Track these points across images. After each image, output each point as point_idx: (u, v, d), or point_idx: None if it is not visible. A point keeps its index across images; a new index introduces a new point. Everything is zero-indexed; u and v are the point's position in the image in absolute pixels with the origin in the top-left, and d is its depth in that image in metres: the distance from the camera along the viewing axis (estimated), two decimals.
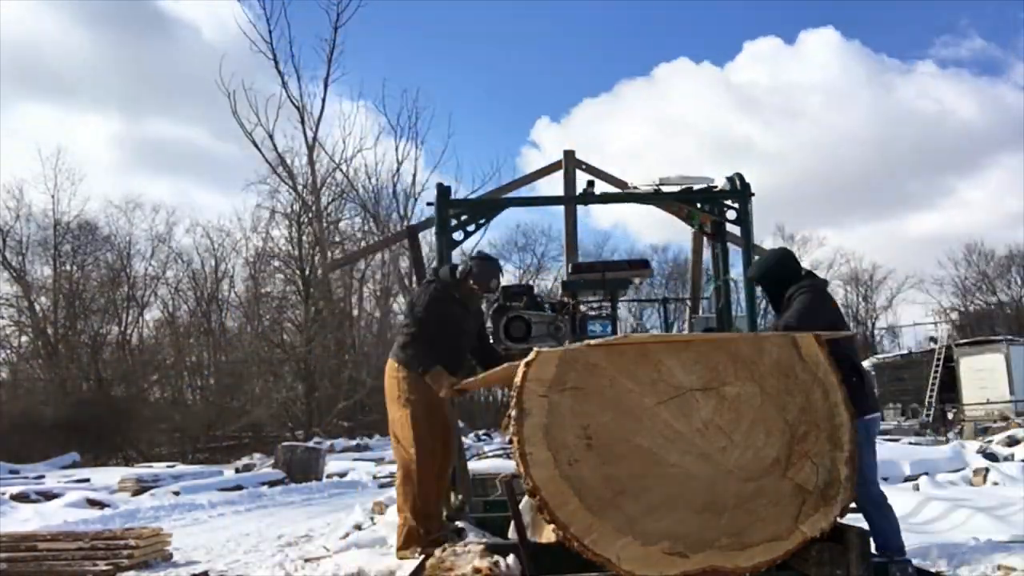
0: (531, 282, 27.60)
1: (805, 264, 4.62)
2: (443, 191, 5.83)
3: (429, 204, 5.97)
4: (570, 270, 7.04)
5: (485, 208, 6.15)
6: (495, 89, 65.86)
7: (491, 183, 32.20)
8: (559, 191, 8.52)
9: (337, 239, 34.50)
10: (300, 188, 33.29)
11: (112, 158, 51.52)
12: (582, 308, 6.41)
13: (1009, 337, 28.36)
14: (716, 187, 6.00)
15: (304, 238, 33.44)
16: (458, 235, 5.88)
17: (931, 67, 67.35)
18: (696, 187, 6.03)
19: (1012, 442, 14.75)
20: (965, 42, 67.64)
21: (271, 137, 32.77)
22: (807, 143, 61.12)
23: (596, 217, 67.35)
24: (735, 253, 6.19)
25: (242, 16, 63.58)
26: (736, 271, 6.19)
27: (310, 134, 33.56)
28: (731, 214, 5.91)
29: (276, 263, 34.15)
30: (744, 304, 6.19)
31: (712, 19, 66.58)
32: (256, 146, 32.80)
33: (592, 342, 2.86)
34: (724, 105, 61.86)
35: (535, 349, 2.84)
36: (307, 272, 32.84)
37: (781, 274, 4.11)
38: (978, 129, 61.75)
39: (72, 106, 52.84)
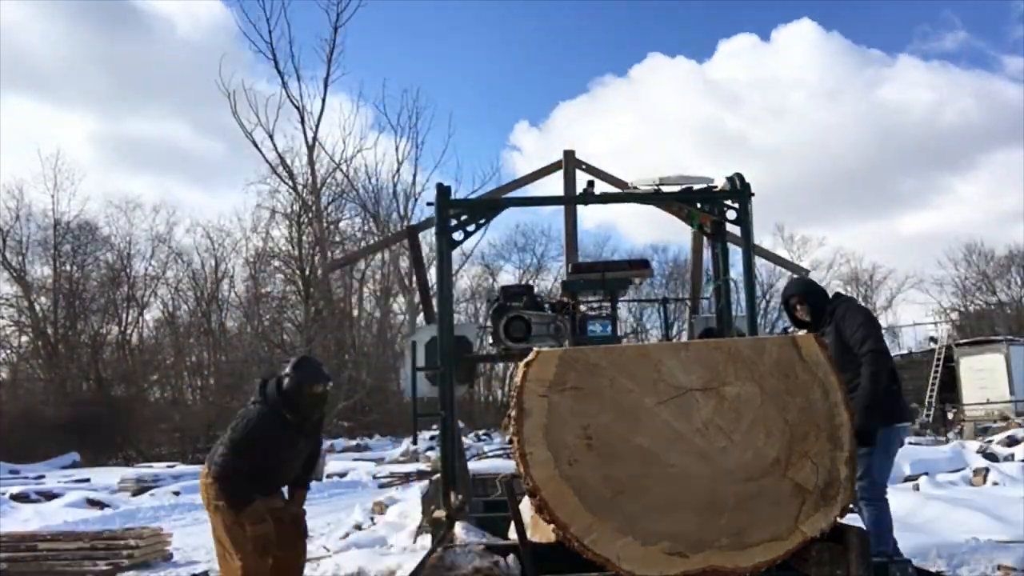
0: (531, 282, 27.61)
1: (805, 263, 4.75)
2: (443, 191, 5.82)
3: (429, 204, 5.96)
4: (570, 270, 7.03)
5: (485, 208, 6.15)
6: (478, 92, 65.69)
7: (491, 183, 32.27)
8: (559, 191, 8.51)
9: (337, 239, 34.52)
10: (300, 188, 33.31)
11: (92, 155, 51.29)
12: (582, 308, 6.40)
13: (1009, 337, 28.34)
14: (716, 187, 5.99)
15: (304, 238, 33.49)
16: (458, 235, 5.88)
17: (914, 59, 66.69)
18: (696, 187, 6.02)
19: (1012, 442, 14.75)
20: (948, 34, 67.01)
21: (271, 137, 32.83)
22: (795, 139, 60.67)
23: (589, 217, 67.22)
24: (735, 253, 6.18)
25: (216, 12, 59.79)
26: (736, 271, 6.18)
27: (310, 134, 33.61)
28: (731, 214, 5.91)
29: (276, 263, 34.20)
30: (744, 304, 6.18)
31: (682, 19, 66.44)
32: (256, 146, 32.85)
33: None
34: (706, 103, 61.42)
35: (535, 349, 2.84)
36: (307, 272, 32.86)
37: (821, 291, 4.75)
38: (971, 124, 61.24)
39: (49, 100, 52.69)
